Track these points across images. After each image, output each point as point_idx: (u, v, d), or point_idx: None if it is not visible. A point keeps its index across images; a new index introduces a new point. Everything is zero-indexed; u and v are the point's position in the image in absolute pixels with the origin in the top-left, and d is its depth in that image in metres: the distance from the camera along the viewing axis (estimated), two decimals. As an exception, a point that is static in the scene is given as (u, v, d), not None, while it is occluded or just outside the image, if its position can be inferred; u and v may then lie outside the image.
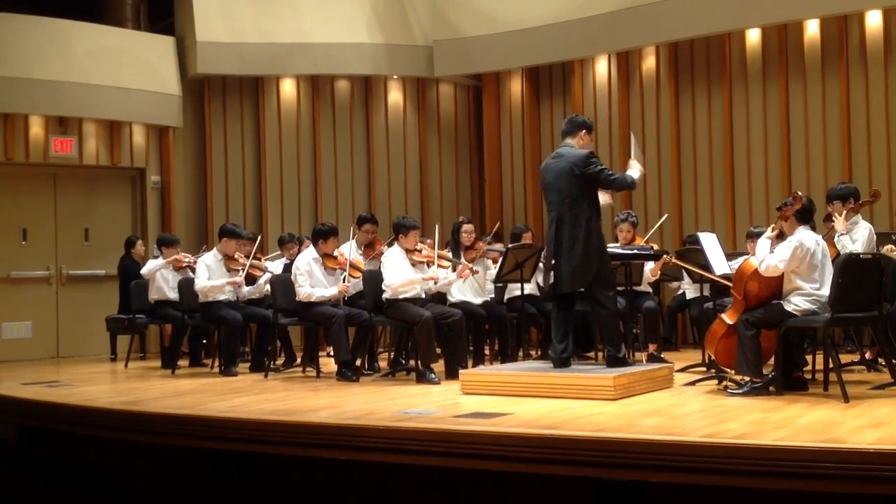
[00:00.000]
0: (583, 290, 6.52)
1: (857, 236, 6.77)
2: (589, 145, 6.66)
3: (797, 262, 5.84)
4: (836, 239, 6.64)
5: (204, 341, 9.44)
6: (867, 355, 7.23)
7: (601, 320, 6.57)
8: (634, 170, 6.67)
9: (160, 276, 9.22)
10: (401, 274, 7.45)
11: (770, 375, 5.99)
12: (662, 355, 8.07)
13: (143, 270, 9.33)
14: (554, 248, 6.48)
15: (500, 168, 11.85)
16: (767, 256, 5.90)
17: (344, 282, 7.77)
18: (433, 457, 4.72)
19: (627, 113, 10.81)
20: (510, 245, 8.20)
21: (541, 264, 8.09)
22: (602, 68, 11.04)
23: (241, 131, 11.65)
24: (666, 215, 9.76)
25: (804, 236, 5.89)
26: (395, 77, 12.00)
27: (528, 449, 4.49)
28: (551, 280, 6.59)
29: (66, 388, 7.39)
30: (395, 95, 12.09)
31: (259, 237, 9.44)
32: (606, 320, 6.53)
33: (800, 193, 6.03)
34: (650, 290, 8.64)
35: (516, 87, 11.77)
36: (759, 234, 6.69)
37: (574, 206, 6.41)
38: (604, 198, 6.71)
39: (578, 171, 6.39)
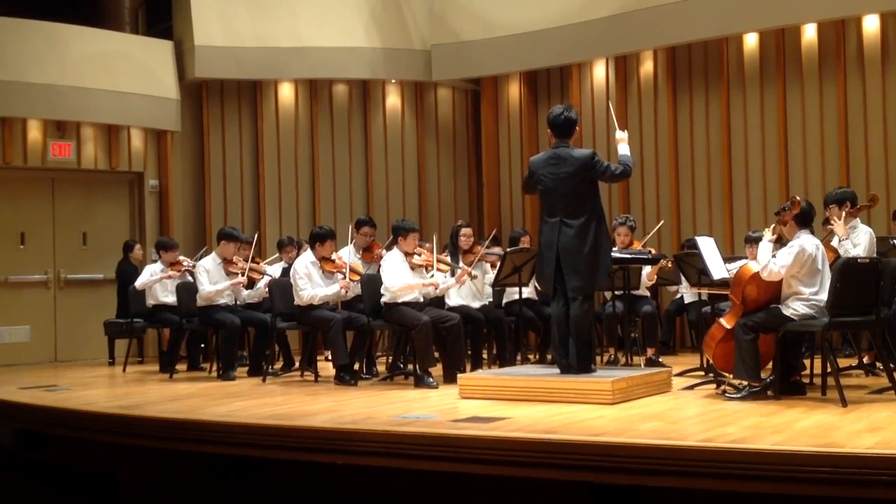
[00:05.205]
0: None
1: (857, 241, 6.77)
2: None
3: (798, 267, 5.84)
4: (837, 244, 6.64)
5: (202, 345, 9.43)
6: (865, 359, 7.23)
7: (578, 327, 6.25)
8: (623, 144, 6.47)
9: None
10: (400, 277, 7.44)
11: (768, 380, 5.99)
12: (660, 359, 8.09)
13: (138, 283, 9.28)
14: (548, 252, 6.30)
15: (499, 172, 11.85)
16: (770, 262, 5.89)
17: (344, 279, 7.77)
18: (431, 461, 4.72)
19: (625, 117, 10.79)
20: (508, 249, 8.19)
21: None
22: (600, 72, 11.04)
23: (239, 135, 11.64)
24: (662, 222, 9.78)
25: (805, 241, 5.89)
26: (393, 81, 12.00)
27: (526, 453, 4.49)
28: (550, 282, 6.38)
29: (63, 392, 7.38)
30: (393, 99, 12.09)
31: (255, 236, 9.45)
32: (584, 329, 6.29)
33: (798, 198, 6.04)
34: (648, 293, 8.66)
35: (514, 91, 11.77)
36: (757, 240, 6.69)
37: (582, 210, 6.24)
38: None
39: (585, 176, 6.27)
